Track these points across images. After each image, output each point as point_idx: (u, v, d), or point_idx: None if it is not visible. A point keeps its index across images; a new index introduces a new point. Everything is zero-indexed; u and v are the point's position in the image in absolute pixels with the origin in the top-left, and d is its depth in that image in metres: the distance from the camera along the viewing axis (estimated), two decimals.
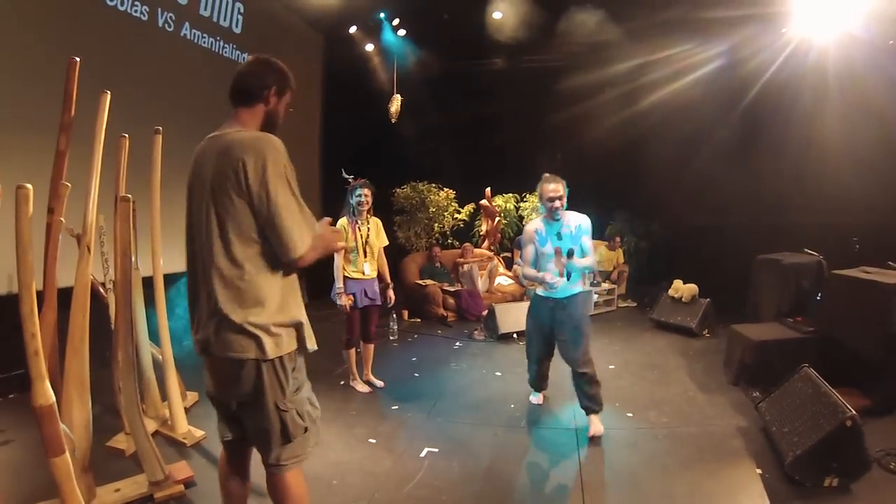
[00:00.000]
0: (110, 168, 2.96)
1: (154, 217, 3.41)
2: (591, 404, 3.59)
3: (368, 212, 4.30)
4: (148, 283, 3.43)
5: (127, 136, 3.15)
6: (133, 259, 2.98)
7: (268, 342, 1.75)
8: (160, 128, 3.36)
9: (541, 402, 4.18)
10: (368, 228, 4.28)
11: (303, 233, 1.75)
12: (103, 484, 2.61)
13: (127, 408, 2.73)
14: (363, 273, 4.23)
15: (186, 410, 3.61)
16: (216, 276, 1.74)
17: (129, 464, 2.93)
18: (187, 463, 2.96)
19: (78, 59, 2.54)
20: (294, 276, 1.90)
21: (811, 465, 2.79)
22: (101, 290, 3.39)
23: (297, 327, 1.85)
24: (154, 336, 3.47)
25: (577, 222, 3.61)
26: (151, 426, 3.32)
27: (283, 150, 1.77)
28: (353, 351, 4.44)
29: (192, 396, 3.95)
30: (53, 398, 2.06)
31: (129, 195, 2.88)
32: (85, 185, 2.62)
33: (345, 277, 4.18)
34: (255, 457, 2.00)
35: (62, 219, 2.42)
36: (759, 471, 3.04)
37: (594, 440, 3.48)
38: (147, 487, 2.65)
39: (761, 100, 6.24)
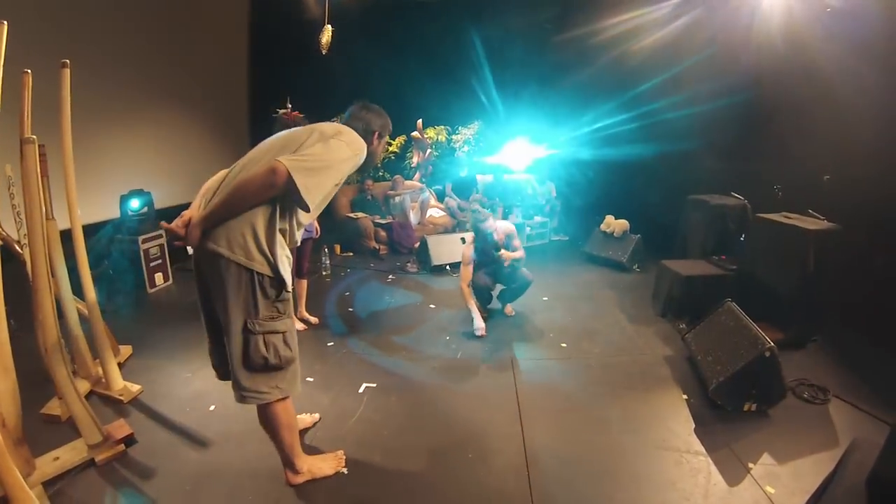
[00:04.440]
0: (13, 110, 2.66)
1: (67, 161, 3.09)
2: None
3: None
4: (68, 234, 3.17)
5: (29, 71, 2.81)
6: (45, 209, 2.74)
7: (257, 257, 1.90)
8: (67, 61, 3.02)
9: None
10: None
11: (312, 178, 1.86)
12: (42, 454, 2.50)
13: (55, 370, 2.57)
14: None
15: (120, 366, 3.47)
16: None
17: (67, 429, 2.80)
18: (126, 420, 2.86)
19: None
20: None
21: (733, 391, 3.02)
22: (17, 247, 3.11)
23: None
24: (78, 291, 3.25)
25: (505, 231, 4.41)
26: (84, 386, 3.18)
27: (362, 159, 2.10)
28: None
29: (126, 350, 3.78)
30: None
31: (35, 136, 2.60)
32: None
33: None
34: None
35: None
36: (685, 396, 3.28)
37: (529, 370, 3.67)
38: (87, 452, 2.55)
39: (704, 48, 6.24)
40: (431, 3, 8.55)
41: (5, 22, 2.45)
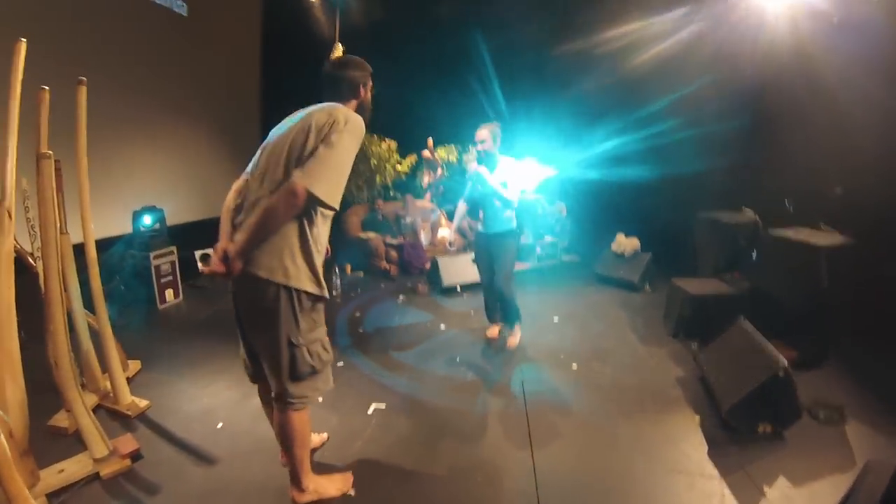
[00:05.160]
0: (31, 126, 2.71)
1: (82, 176, 3.15)
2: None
3: None
4: (80, 249, 3.21)
5: (48, 88, 2.87)
6: (60, 223, 2.77)
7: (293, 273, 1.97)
8: (84, 78, 3.08)
9: (495, 336, 4.54)
10: None
11: (329, 183, 1.91)
12: (46, 466, 2.49)
13: (63, 383, 2.58)
14: None
15: (129, 380, 3.48)
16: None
17: (73, 442, 2.79)
18: (133, 435, 2.87)
19: None
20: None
21: (746, 412, 2.95)
22: (30, 260, 3.15)
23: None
24: (90, 305, 3.27)
25: (508, 167, 4.11)
26: (92, 400, 3.19)
27: (362, 130, 2.06)
28: None
29: (135, 365, 3.80)
30: None
31: (51, 152, 2.65)
32: (2, 145, 2.38)
33: None
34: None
35: None
36: (697, 418, 3.21)
37: (538, 391, 3.61)
38: (92, 465, 2.54)
39: (709, 60, 6.28)
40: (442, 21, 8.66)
41: (24, 40, 2.51)
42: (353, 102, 2.25)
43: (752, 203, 5.20)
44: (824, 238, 3.83)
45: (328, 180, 1.90)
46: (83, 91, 3.06)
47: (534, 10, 8.18)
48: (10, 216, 2.36)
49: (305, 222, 1.98)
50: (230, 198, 2.18)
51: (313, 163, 1.89)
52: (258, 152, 2.17)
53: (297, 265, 1.98)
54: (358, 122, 2.04)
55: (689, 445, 2.93)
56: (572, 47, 8.13)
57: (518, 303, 4.38)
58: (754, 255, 4.76)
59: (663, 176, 7.21)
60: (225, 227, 2.11)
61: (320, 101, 2.17)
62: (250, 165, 2.21)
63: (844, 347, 4.00)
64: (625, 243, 6.57)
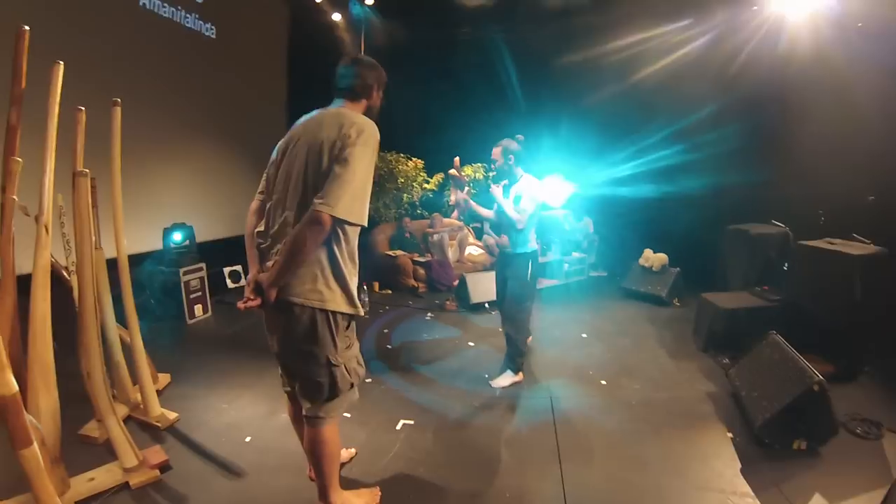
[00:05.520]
0: (68, 144, 2.81)
1: (115, 194, 3.25)
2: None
3: None
4: (113, 264, 3.29)
5: (84, 108, 2.98)
6: (94, 239, 2.85)
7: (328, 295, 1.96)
8: (119, 100, 3.19)
9: None
10: None
11: (351, 202, 1.86)
12: (77, 474, 2.53)
13: (96, 393, 2.64)
14: None
15: (159, 393, 3.53)
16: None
17: (103, 451, 2.84)
18: (162, 447, 2.89)
19: (27, 28, 2.37)
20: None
21: (780, 428, 2.88)
22: (64, 274, 3.24)
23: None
24: (122, 318, 3.35)
25: (524, 186, 3.83)
26: (123, 411, 3.24)
27: (377, 136, 1.99)
28: None
29: (164, 378, 3.86)
30: (16, 387, 1.96)
31: (88, 170, 2.74)
32: (40, 163, 2.47)
33: None
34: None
35: (15, 197, 2.28)
36: (729, 434, 3.13)
37: (567, 408, 3.56)
38: (122, 475, 2.58)
39: (734, 74, 6.26)
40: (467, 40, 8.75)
41: (61, 62, 2.61)
42: (363, 103, 2.19)
43: (782, 215, 5.12)
44: (857, 249, 3.75)
45: (350, 200, 1.86)
46: (118, 112, 3.17)
47: (560, 29, 8.22)
48: (47, 231, 2.43)
49: (334, 243, 1.96)
50: (250, 222, 2.18)
51: (332, 186, 1.84)
52: (270, 168, 2.14)
53: (332, 287, 1.97)
54: (370, 130, 1.97)
55: (721, 462, 2.85)
56: (598, 66, 8.16)
57: (523, 345, 4.01)
58: (785, 267, 4.67)
59: (691, 191, 7.17)
60: (251, 254, 2.12)
61: (332, 99, 2.16)
62: (262, 184, 2.19)
63: (880, 360, 3.90)
64: (652, 258, 6.53)
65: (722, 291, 4.97)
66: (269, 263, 1.99)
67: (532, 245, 3.88)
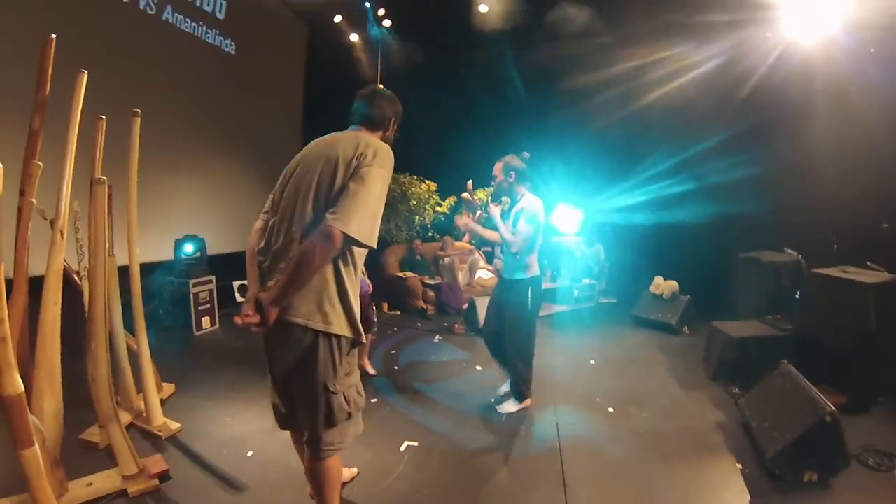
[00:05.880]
0: (86, 152, 2.86)
1: (131, 203, 3.30)
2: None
3: None
4: (124, 271, 3.32)
5: (104, 117, 3.04)
6: (108, 246, 2.88)
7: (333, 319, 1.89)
8: (139, 110, 3.25)
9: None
10: None
11: (364, 221, 1.82)
12: (75, 478, 2.53)
13: (100, 399, 2.64)
14: None
15: (162, 402, 3.53)
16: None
17: (103, 457, 2.84)
18: (162, 456, 2.88)
19: (54, 37, 2.43)
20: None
21: (791, 460, 2.82)
22: (76, 278, 3.28)
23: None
24: (130, 326, 3.37)
25: (523, 206, 3.65)
26: (126, 418, 3.24)
27: (392, 160, 1.97)
28: None
29: (169, 388, 3.86)
30: (22, 388, 1.98)
31: (105, 178, 2.78)
32: (59, 168, 2.52)
33: None
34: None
35: (33, 200, 2.31)
36: (739, 465, 3.06)
37: (574, 434, 3.50)
38: (121, 482, 2.57)
39: (747, 101, 6.31)
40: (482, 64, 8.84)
41: (85, 72, 2.67)
42: (379, 134, 2.18)
43: (794, 243, 5.09)
44: (871, 277, 3.71)
45: (363, 219, 1.82)
46: (137, 122, 3.23)
47: (574, 55, 8.31)
48: (62, 235, 2.47)
49: (341, 263, 1.90)
50: (253, 240, 2.10)
51: (346, 202, 1.80)
52: (277, 190, 2.07)
53: (336, 310, 1.89)
54: (387, 153, 1.95)
55: (730, 494, 2.79)
56: (612, 91, 8.23)
57: (529, 371, 3.87)
58: (798, 295, 4.62)
59: (702, 218, 7.15)
60: (252, 272, 2.04)
61: (347, 127, 2.16)
62: (268, 203, 2.11)
63: (894, 391, 3.82)
64: (663, 285, 6.49)
65: (733, 320, 4.91)
66: (271, 283, 1.91)
67: (532, 271, 3.68)
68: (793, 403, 3.04)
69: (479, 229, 3.84)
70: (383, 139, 2.17)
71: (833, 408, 2.72)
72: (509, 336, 3.76)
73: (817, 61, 5.16)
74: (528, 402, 3.90)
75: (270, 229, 2.00)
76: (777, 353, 3.80)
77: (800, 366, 3.36)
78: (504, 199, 3.80)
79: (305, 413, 2.00)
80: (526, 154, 3.76)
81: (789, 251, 5.04)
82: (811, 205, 5.37)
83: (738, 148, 6.46)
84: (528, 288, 3.67)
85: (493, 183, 3.77)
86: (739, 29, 6.30)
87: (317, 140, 2.08)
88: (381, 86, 7.50)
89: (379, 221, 1.92)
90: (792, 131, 5.61)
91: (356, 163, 1.86)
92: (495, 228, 3.72)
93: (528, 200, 3.64)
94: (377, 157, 1.89)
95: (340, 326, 1.91)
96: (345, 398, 1.99)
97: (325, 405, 1.95)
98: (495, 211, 3.70)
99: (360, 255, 2.00)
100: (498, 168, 3.73)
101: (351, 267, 1.95)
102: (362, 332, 1.98)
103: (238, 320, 1.88)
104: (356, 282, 2.01)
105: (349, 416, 2.02)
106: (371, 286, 4.41)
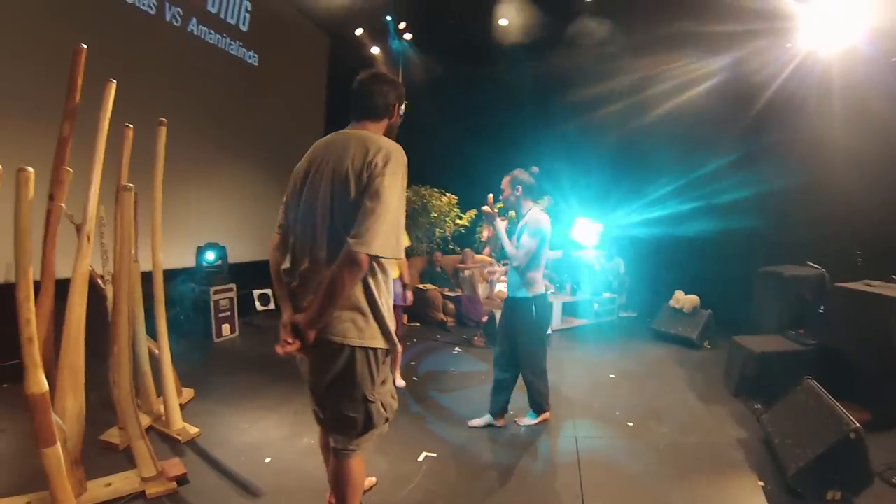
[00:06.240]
0: (113, 160, 2.93)
1: (156, 210, 3.37)
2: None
3: None
4: (146, 277, 3.38)
5: (131, 125, 3.12)
6: (133, 251, 2.94)
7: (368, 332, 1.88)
8: (165, 119, 3.32)
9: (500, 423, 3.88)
10: None
11: (387, 237, 1.76)
12: (94, 478, 2.57)
13: (122, 401, 2.69)
14: None
15: (181, 407, 3.58)
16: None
17: (122, 459, 2.88)
18: (181, 460, 2.92)
19: (85, 47, 2.50)
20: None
21: (814, 477, 2.75)
22: (99, 282, 3.34)
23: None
24: (151, 331, 3.42)
25: (527, 220, 3.60)
26: (145, 421, 3.28)
27: (405, 160, 1.89)
28: None
29: (188, 392, 3.91)
30: (46, 387, 2.02)
31: (132, 185, 2.85)
32: (87, 175, 2.58)
33: None
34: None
35: (63, 204, 2.37)
36: (760, 483, 3.00)
37: (592, 448, 3.47)
38: (139, 483, 2.60)
39: (767, 112, 6.26)
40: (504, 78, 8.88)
41: (114, 81, 2.75)
42: (384, 123, 2.08)
43: (818, 256, 5.01)
44: None
45: (386, 236, 1.76)
46: (163, 131, 3.31)
47: (596, 68, 8.33)
48: (88, 240, 2.52)
49: (370, 277, 1.88)
50: (274, 259, 2.07)
51: (365, 223, 1.74)
52: (291, 198, 2.03)
53: (370, 323, 1.89)
54: (398, 155, 1.87)
55: None
56: (634, 105, 8.23)
57: (545, 386, 3.85)
58: (821, 310, 4.54)
59: (723, 231, 7.06)
60: (283, 295, 2.00)
61: (353, 119, 2.07)
62: (281, 215, 2.09)
63: None
64: (683, 300, 6.42)
65: (755, 334, 4.83)
66: (304, 303, 1.89)
67: (535, 289, 3.59)
68: (816, 420, 2.98)
69: (503, 231, 3.69)
70: (390, 126, 2.11)
71: (857, 424, 2.65)
72: (521, 354, 3.71)
73: (838, 71, 5.11)
74: (547, 414, 3.87)
75: (293, 249, 1.98)
76: (800, 368, 3.72)
77: (823, 382, 3.29)
78: (511, 212, 3.75)
79: (343, 424, 1.99)
80: (535, 168, 3.72)
81: (812, 265, 4.96)
82: (834, 218, 5.29)
83: (759, 160, 6.41)
84: (531, 307, 3.59)
85: (500, 197, 3.73)
86: (759, 39, 6.28)
87: (324, 142, 2.01)
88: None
89: (402, 230, 1.89)
90: (814, 142, 5.55)
91: (367, 173, 1.79)
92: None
93: (533, 214, 3.59)
94: (389, 163, 1.81)
95: (375, 339, 1.90)
96: (382, 405, 2.01)
97: (364, 413, 1.96)
98: (501, 225, 3.65)
99: (389, 261, 1.97)
100: (505, 182, 3.70)
101: (380, 277, 1.93)
102: (396, 341, 1.98)
103: (280, 350, 1.83)
104: (388, 289, 2.00)
105: (386, 420, 2.05)
106: (409, 299, 4.49)
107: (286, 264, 1.99)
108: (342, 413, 1.96)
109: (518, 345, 3.70)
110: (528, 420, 3.83)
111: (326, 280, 1.77)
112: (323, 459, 2.36)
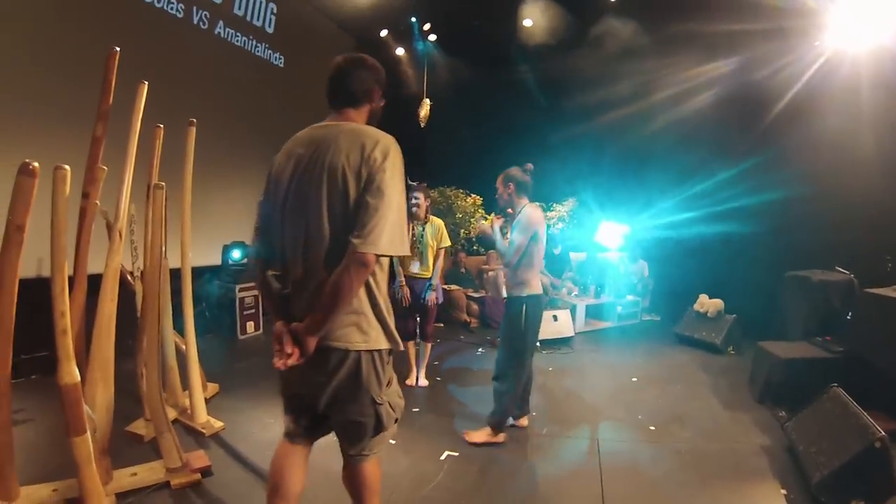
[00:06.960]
0: (143, 159, 3.01)
1: (185, 209, 3.45)
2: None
3: (426, 214, 4.44)
4: (175, 274, 3.47)
5: (162, 126, 3.20)
6: (162, 248, 3.02)
7: (371, 334, 1.82)
8: (194, 120, 3.40)
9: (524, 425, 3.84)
10: (423, 229, 4.40)
11: (393, 235, 1.71)
12: (120, 467, 2.65)
13: (149, 394, 2.76)
14: (409, 271, 4.44)
15: (206, 401, 3.65)
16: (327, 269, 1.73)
17: (147, 449, 2.97)
18: (205, 452, 2.98)
19: (118, 49, 2.58)
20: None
21: (838, 486, 2.70)
22: (129, 278, 3.43)
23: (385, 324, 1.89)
24: (179, 327, 3.51)
25: (518, 217, 3.49)
26: (171, 414, 3.35)
27: (399, 152, 1.81)
28: (409, 343, 4.61)
29: (213, 387, 3.99)
30: (79, 378, 2.09)
31: (163, 183, 2.92)
32: (119, 173, 2.66)
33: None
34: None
35: (97, 202, 2.45)
36: (783, 491, 2.95)
37: (614, 451, 3.45)
38: (164, 474, 2.67)
39: (793, 112, 6.15)
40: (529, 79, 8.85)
41: (146, 82, 2.83)
42: (366, 109, 1.99)
43: (846, 261, 4.90)
44: None
45: (391, 233, 1.71)
46: (192, 131, 3.39)
47: (622, 71, 8.27)
48: (120, 237, 2.60)
49: (370, 278, 1.81)
50: (259, 264, 1.96)
51: (370, 222, 1.68)
52: (269, 197, 1.95)
53: (372, 325, 1.82)
54: (395, 148, 1.80)
55: None
56: (659, 106, 8.15)
57: (512, 404, 3.55)
58: (849, 316, 4.45)
59: (749, 235, 6.96)
60: (274, 306, 1.88)
61: (333, 107, 1.97)
62: (258, 217, 2.00)
63: None
64: (708, 304, 6.33)
65: (780, 340, 4.75)
66: (299, 312, 1.79)
67: (529, 289, 3.43)
68: (841, 428, 2.92)
69: (497, 230, 3.62)
70: (371, 112, 2.00)
71: (883, 433, 2.60)
72: (497, 359, 3.54)
73: (866, 71, 5.00)
74: (501, 436, 3.52)
75: (282, 253, 1.86)
76: (826, 375, 3.64)
77: (850, 390, 3.22)
78: (509, 210, 3.64)
79: (352, 430, 1.94)
80: (529, 166, 3.63)
81: (840, 270, 4.86)
82: (863, 221, 5.17)
83: (787, 161, 6.28)
84: (521, 307, 3.40)
85: (495, 196, 3.65)
86: (787, 38, 6.17)
87: (306, 137, 1.91)
88: (428, 104, 7.57)
89: (406, 225, 1.85)
90: (843, 143, 5.43)
91: (367, 170, 1.72)
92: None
93: (525, 211, 3.47)
94: (388, 157, 1.75)
95: (379, 340, 1.85)
96: (390, 406, 1.96)
97: (373, 417, 1.90)
98: (496, 223, 3.61)
99: (386, 259, 1.90)
100: (499, 180, 3.61)
101: (378, 275, 1.86)
102: (399, 340, 1.92)
103: (279, 364, 1.73)
104: (385, 286, 1.93)
105: (396, 421, 2.01)
106: (433, 299, 4.55)
107: (275, 270, 1.90)
108: (350, 419, 1.90)
109: (499, 349, 3.59)
110: (476, 436, 3.51)
111: (330, 284, 1.68)
112: (269, 483, 2.12)
